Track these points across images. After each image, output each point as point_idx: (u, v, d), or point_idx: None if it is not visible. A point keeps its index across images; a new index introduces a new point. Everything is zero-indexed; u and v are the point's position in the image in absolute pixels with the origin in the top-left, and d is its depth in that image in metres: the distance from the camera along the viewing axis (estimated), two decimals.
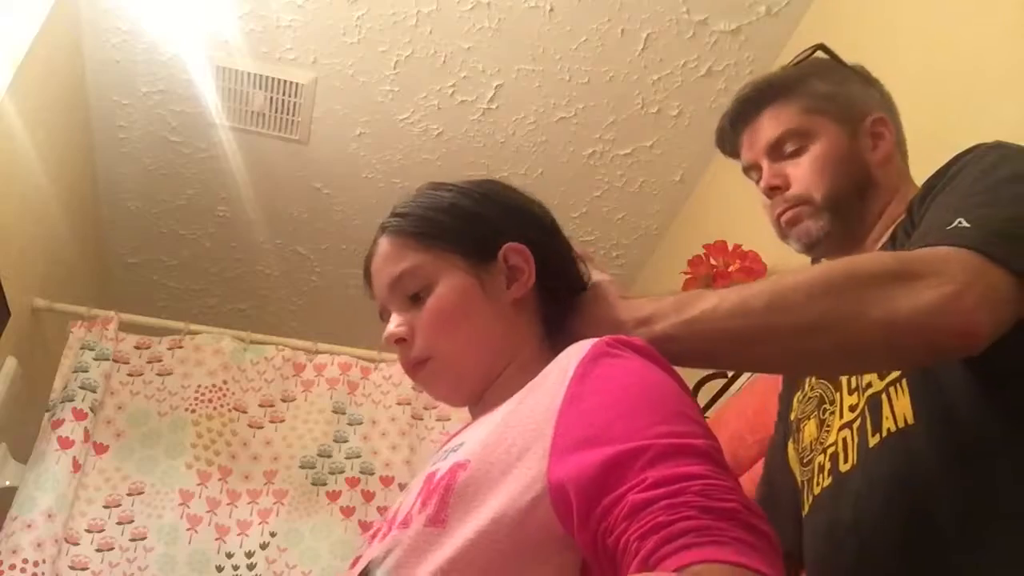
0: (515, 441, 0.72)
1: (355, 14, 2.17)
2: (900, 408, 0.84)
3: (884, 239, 1.01)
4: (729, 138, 1.15)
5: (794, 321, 0.77)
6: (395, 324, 0.89)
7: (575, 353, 0.77)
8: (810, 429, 0.99)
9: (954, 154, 0.92)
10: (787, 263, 1.89)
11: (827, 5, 2.04)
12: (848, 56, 1.17)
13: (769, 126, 1.09)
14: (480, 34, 2.20)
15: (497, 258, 0.89)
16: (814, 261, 1.10)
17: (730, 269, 1.93)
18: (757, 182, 1.11)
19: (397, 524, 0.75)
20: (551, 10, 2.14)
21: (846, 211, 1.04)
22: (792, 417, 1.06)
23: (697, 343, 0.81)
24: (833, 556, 0.89)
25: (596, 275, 0.94)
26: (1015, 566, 0.74)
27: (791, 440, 1.05)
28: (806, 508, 0.96)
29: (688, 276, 1.98)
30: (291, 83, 2.32)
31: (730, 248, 1.96)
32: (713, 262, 1.96)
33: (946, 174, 0.90)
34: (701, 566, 0.55)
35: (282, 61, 2.28)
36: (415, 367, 0.88)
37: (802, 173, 1.05)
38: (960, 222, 0.78)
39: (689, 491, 0.61)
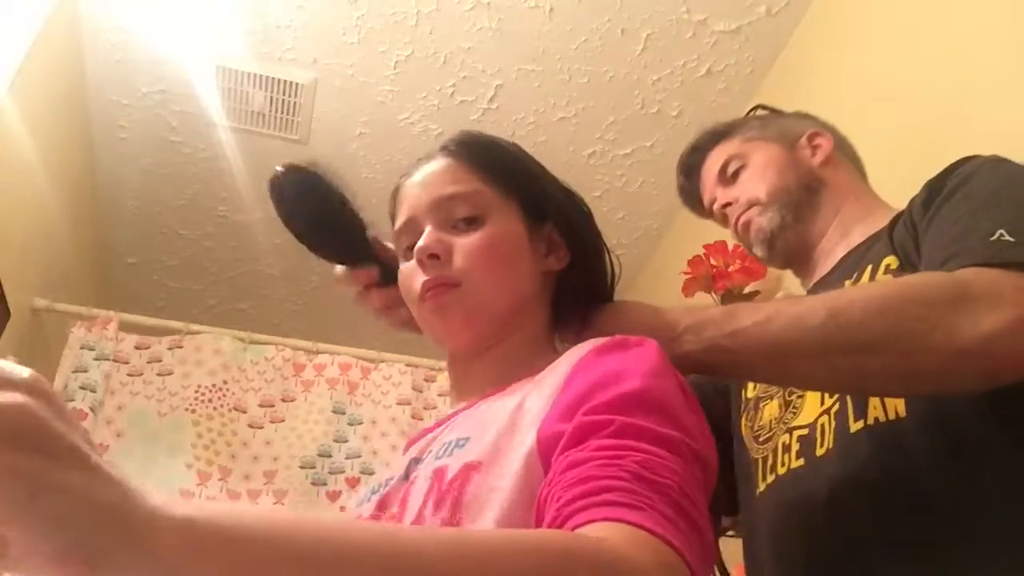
0: (523, 440, 0.70)
1: (355, 14, 2.17)
2: (892, 399, 0.83)
3: (862, 238, 1.04)
4: (689, 190, 1.27)
5: (850, 338, 0.75)
6: (432, 239, 0.84)
7: (581, 351, 0.76)
8: (771, 409, 0.99)
9: (951, 153, 0.92)
10: None
11: (827, 5, 2.04)
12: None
13: (714, 162, 1.21)
14: (480, 34, 2.20)
15: (545, 225, 0.89)
16: (775, 261, 1.15)
17: (730, 269, 1.93)
18: (723, 221, 1.20)
19: (409, 524, 0.72)
20: (551, 10, 2.14)
21: (795, 204, 1.12)
22: (749, 395, 1.05)
23: (744, 355, 0.80)
24: (800, 534, 0.89)
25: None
26: (1007, 567, 0.73)
27: (744, 416, 1.04)
28: (761, 486, 0.96)
29: (688, 276, 1.98)
30: (291, 83, 2.33)
31: (730, 248, 1.95)
32: (713, 262, 1.95)
33: (951, 174, 0.89)
34: (611, 524, 0.52)
35: (282, 61, 2.28)
36: (442, 288, 0.84)
37: (747, 185, 1.16)
38: (1002, 235, 0.77)
39: (629, 459, 0.58)
